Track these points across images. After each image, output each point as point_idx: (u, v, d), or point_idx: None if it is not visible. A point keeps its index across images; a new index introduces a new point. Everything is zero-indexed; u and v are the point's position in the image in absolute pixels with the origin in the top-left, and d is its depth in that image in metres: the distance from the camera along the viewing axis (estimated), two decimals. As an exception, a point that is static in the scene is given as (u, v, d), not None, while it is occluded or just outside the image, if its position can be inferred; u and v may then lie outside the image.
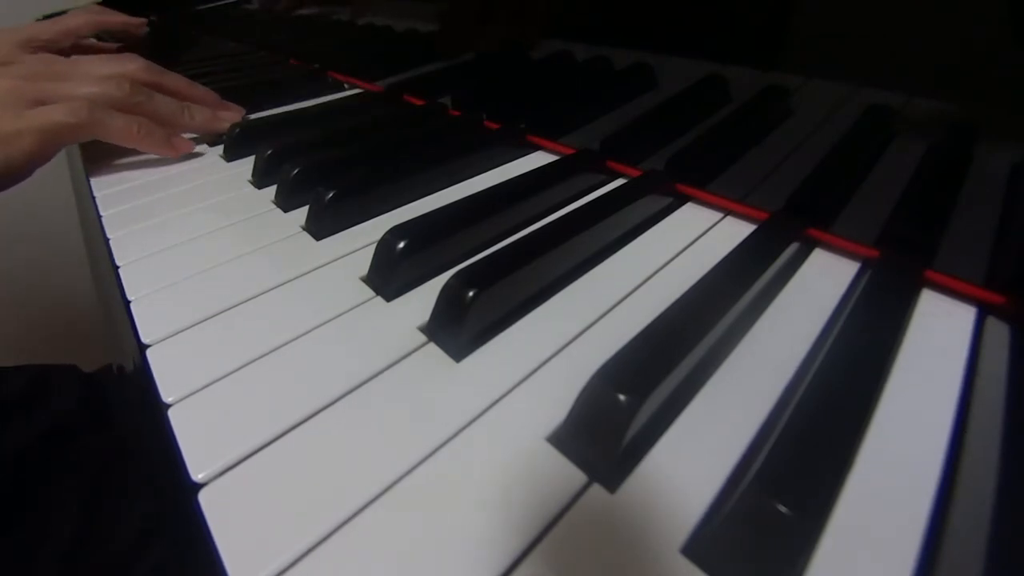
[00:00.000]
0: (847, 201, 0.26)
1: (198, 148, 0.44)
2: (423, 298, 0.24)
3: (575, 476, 0.16)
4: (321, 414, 0.18)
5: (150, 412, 0.19)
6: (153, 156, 0.42)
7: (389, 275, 0.25)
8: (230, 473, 0.16)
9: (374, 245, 0.26)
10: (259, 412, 0.18)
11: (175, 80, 0.44)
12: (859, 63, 0.24)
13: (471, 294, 0.21)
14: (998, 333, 0.21)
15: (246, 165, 0.40)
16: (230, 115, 0.46)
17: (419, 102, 0.50)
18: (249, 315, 0.23)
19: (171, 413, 0.19)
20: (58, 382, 0.44)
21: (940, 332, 0.21)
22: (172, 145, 0.41)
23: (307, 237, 0.30)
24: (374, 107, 0.50)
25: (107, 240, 0.30)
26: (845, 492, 0.15)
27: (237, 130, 0.41)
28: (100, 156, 0.43)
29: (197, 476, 0.16)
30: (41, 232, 1.16)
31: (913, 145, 0.24)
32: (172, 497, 0.17)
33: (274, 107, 0.51)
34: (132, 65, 0.41)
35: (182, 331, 0.22)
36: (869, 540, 0.14)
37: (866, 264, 0.25)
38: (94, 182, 0.38)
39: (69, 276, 1.20)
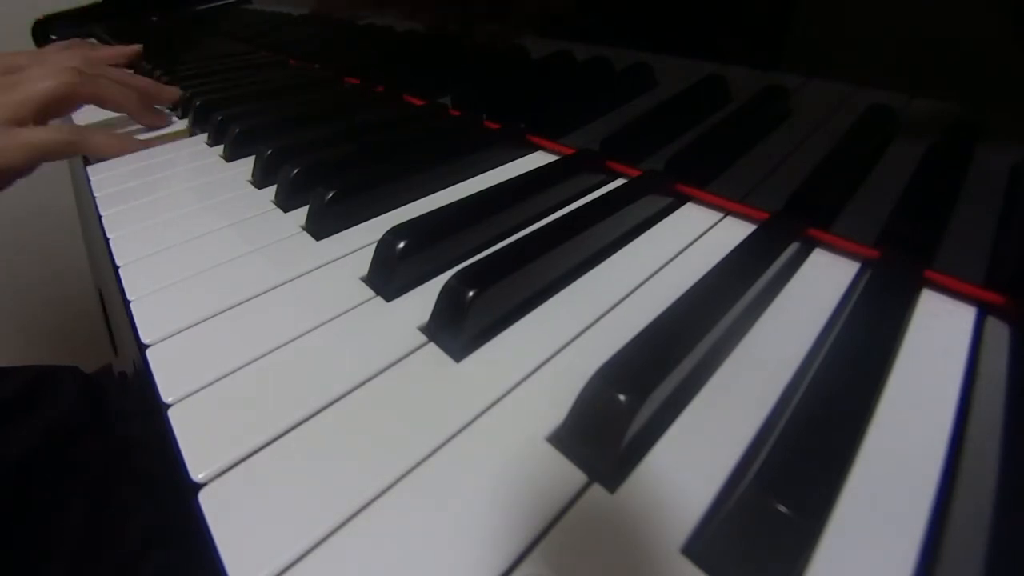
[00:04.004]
0: (847, 201, 0.26)
1: (199, 147, 0.44)
2: (423, 298, 0.24)
3: (575, 476, 0.16)
4: (321, 414, 0.18)
5: (150, 412, 0.19)
6: (153, 155, 0.42)
7: (389, 275, 0.25)
8: (230, 473, 0.16)
9: (374, 245, 0.26)
10: (259, 412, 0.18)
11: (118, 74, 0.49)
12: (859, 63, 0.24)
13: (471, 294, 0.21)
14: (998, 333, 0.21)
15: (246, 165, 0.40)
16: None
17: (419, 102, 0.50)
18: (249, 315, 0.23)
19: (171, 413, 0.19)
20: (58, 383, 0.44)
21: (940, 332, 0.21)
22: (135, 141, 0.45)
23: (307, 237, 0.30)
24: (374, 107, 0.50)
25: (107, 240, 0.30)
26: (845, 492, 0.15)
27: (237, 130, 0.41)
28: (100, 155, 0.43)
29: (197, 476, 0.16)
30: (41, 232, 1.16)
31: (913, 145, 0.24)
32: (172, 497, 0.17)
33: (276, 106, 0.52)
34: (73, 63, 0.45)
35: (182, 331, 0.22)
36: (869, 540, 0.14)
37: (866, 264, 0.25)
38: (94, 182, 0.38)
39: (69, 276, 1.20)
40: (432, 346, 0.21)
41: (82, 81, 0.43)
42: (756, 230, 0.26)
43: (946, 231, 0.23)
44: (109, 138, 0.43)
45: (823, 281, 0.24)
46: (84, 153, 0.42)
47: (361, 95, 0.54)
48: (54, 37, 0.94)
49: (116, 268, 0.27)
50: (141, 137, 0.47)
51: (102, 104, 0.46)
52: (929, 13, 0.21)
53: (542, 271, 0.24)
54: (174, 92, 0.55)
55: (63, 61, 0.45)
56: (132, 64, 0.70)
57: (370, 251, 0.26)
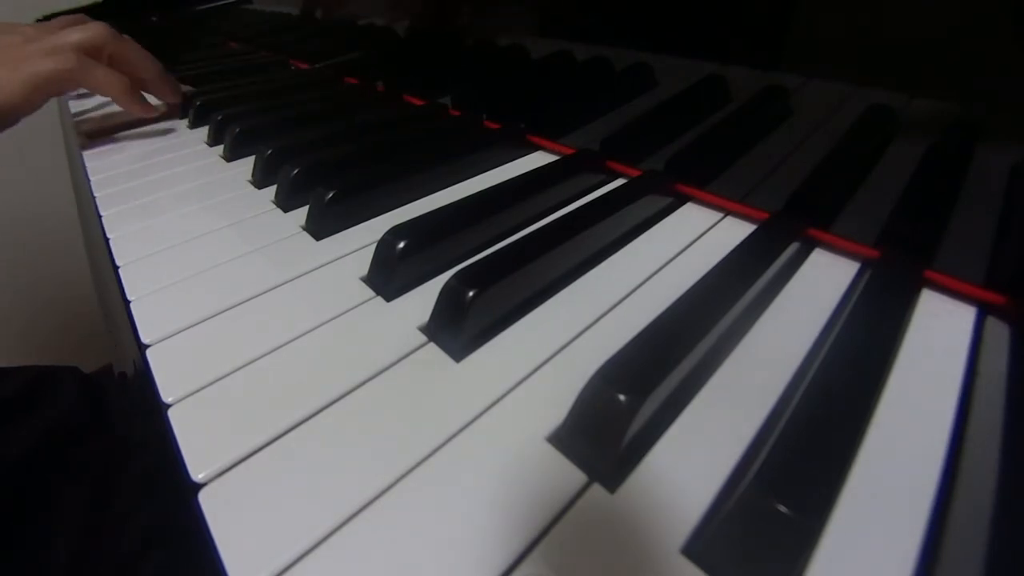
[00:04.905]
0: (847, 201, 0.26)
1: (197, 147, 0.44)
2: (423, 298, 0.24)
3: (575, 476, 0.16)
4: (321, 414, 0.18)
5: (150, 412, 0.19)
6: (153, 154, 0.42)
7: (389, 275, 0.25)
8: (230, 473, 0.16)
9: (374, 245, 0.26)
10: (259, 412, 0.18)
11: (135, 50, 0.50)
12: (859, 63, 0.24)
13: (471, 294, 0.21)
14: (998, 333, 0.21)
15: (246, 165, 0.40)
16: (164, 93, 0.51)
17: (419, 102, 0.50)
18: (249, 315, 0.23)
19: (171, 413, 0.19)
20: (58, 383, 0.44)
21: (940, 332, 0.21)
22: (144, 105, 0.47)
23: (307, 237, 0.30)
24: (374, 107, 0.50)
25: (107, 240, 0.30)
26: (845, 492, 0.15)
27: (237, 130, 0.41)
28: (101, 155, 0.44)
29: (197, 476, 0.16)
30: (41, 232, 1.16)
31: (913, 145, 0.23)
32: (172, 497, 0.17)
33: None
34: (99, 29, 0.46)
35: (182, 331, 0.22)
36: (869, 540, 0.14)
37: (866, 264, 0.25)
38: (94, 182, 0.38)
39: (69, 277, 1.20)
40: (432, 346, 0.21)
41: (77, 67, 0.43)
42: (756, 230, 0.26)
43: (946, 231, 0.23)
44: (110, 75, 0.43)
45: (823, 281, 0.24)
46: (85, 88, 0.43)
47: (361, 95, 0.54)
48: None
49: (116, 268, 0.27)
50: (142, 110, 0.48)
51: (92, 91, 0.46)
52: (929, 13, 0.21)
53: (542, 271, 0.24)
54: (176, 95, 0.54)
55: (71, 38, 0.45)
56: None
57: (370, 251, 0.26)
